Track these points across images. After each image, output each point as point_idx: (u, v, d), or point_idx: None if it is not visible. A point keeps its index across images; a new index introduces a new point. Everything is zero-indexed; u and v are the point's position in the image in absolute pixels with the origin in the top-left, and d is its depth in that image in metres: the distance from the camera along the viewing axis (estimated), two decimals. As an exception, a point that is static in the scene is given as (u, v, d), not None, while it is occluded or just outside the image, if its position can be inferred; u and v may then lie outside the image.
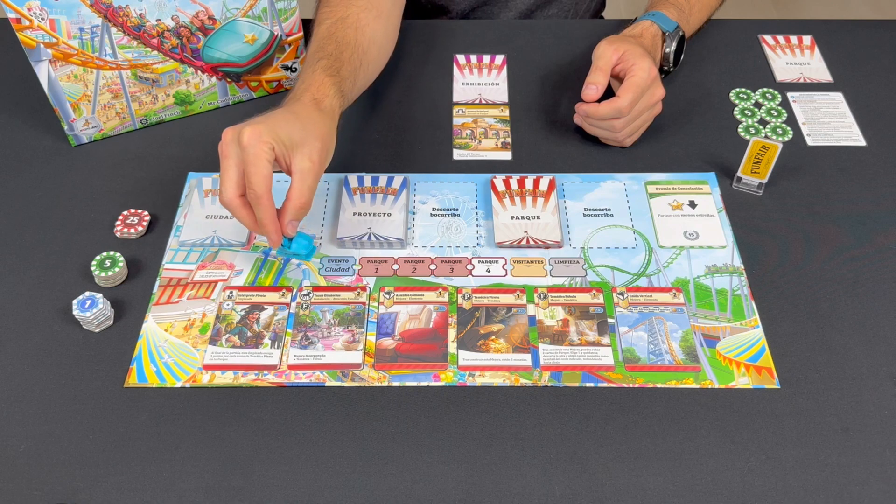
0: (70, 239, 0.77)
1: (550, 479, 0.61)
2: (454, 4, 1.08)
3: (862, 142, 0.87)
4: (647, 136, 0.86)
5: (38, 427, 0.64)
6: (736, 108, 0.91)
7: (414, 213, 0.80)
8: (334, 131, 0.72)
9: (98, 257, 0.73)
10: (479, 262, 0.75)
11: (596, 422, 0.64)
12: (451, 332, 0.70)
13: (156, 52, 0.83)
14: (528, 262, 0.75)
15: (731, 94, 0.93)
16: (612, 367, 0.67)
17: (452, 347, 0.69)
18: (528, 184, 0.81)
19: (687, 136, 0.88)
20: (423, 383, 0.67)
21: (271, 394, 0.66)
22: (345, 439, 0.63)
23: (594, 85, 0.81)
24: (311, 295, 0.73)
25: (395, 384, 0.67)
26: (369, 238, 0.76)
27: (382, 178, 0.82)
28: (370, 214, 0.78)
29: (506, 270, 0.75)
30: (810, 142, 0.87)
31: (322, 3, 0.85)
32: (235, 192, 0.66)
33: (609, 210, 0.80)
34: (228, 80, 0.89)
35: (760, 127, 0.89)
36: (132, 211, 0.79)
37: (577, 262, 0.75)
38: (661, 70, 0.89)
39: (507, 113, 0.91)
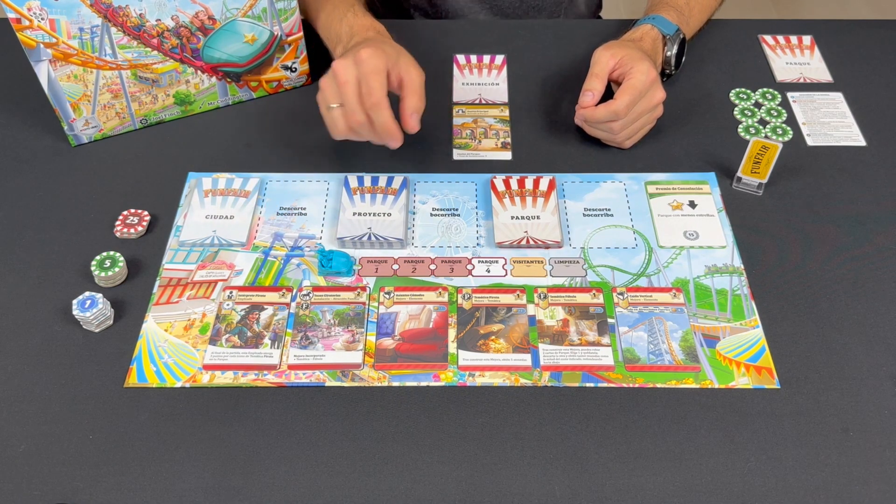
0: (70, 239, 0.77)
1: (550, 479, 0.61)
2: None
3: (862, 142, 0.87)
4: (647, 137, 0.86)
5: (38, 427, 0.64)
6: (736, 108, 0.91)
7: (414, 213, 0.80)
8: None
9: (98, 257, 0.73)
10: (479, 262, 0.75)
11: (596, 422, 0.64)
12: (451, 332, 0.70)
13: (156, 52, 0.83)
14: (528, 262, 0.75)
15: (731, 94, 0.93)
16: (612, 367, 0.67)
17: (452, 347, 0.69)
18: (528, 184, 0.81)
19: (687, 136, 0.88)
20: (423, 383, 0.67)
21: (271, 394, 0.66)
22: (345, 439, 0.63)
23: (590, 91, 0.81)
24: (311, 295, 0.73)
25: (395, 384, 0.67)
26: (369, 238, 0.76)
27: (382, 178, 0.82)
28: (370, 214, 0.78)
29: (506, 270, 0.75)
30: (810, 142, 0.87)
31: None
32: (363, 108, 0.74)
33: (609, 210, 0.80)
34: (228, 80, 0.89)
35: (760, 127, 0.89)
36: (132, 211, 0.79)
37: (577, 262, 0.75)
38: (662, 73, 0.89)
39: (507, 113, 0.91)
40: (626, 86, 0.79)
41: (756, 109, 0.91)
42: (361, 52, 0.73)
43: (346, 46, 0.82)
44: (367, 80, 0.73)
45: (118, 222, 0.78)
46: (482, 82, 0.95)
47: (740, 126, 0.89)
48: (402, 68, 0.76)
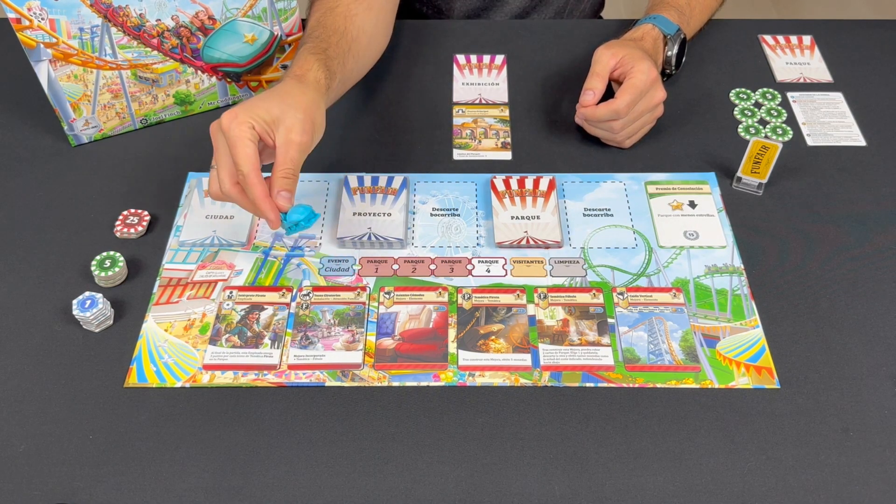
0: (70, 239, 0.77)
1: (550, 479, 0.61)
2: (452, 12, 1.09)
3: (862, 142, 0.87)
4: (647, 136, 0.86)
5: (38, 427, 0.64)
6: (736, 108, 0.91)
7: (414, 213, 0.80)
8: (320, 102, 0.71)
9: (98, 257, 0.73)
10: (479, 262, 0.75)
11: (596, 422, 0.64)
12: (451, 332, 0.70)
13: (156, 52, 0.83)
14: (528, 262, 0.75)
15: (731, 94, 0.93)
16: (612, 367, 0.67)
17: (452, 347, 0.69)
18: (528, 184, 0.81)
19: (687, 136, 0.88)
20: (423, 383, 0.67)
21: (271, 394, 0.66)
22: (345, 439, 0.63)
23: (591, 90, 0.81)
24: (311, 295, 0.73)
25: (395, 384, 0.67)
26: (369, 238, 0.76)
27: (382, 178, 0.82)
28: (370, 214, 0.78)
29: (506, 270, 0.75)
30: (810, 142, 0.87)
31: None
32: (232, 179, 0.66)
33: (609, 210, 0.80)
34: (228, 80, 0.89)
35: (760, 127, 0.89)
36: (132, 211, 0.79)
37: (577, 262, 0.75)
38: (662, 73, 0.89)
39: (507, 113, 0.91)
40: (626, 85, 0.79)
41: (756, 109, 0.91)
42: (224, 117, 0.65)
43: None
44: (234, 151, 0.65)
45: (118, 222, 0.78)
46: (482, 82, 0.95)
47: (740, 126, 0.89)
48: (280, 133, 0.66)
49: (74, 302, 0.69)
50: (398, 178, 0.82)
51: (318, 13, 0.82)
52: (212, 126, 0.67)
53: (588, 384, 0.66)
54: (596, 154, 0.86)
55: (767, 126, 0.89)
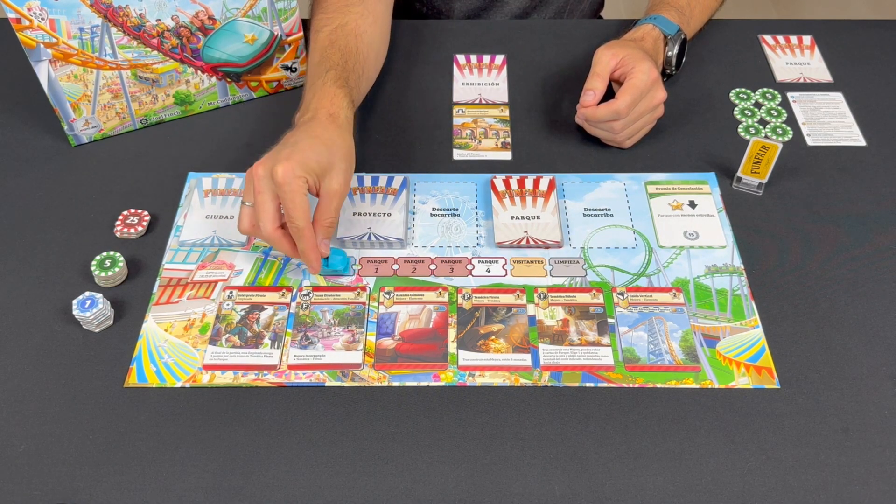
0: (70, 239, 0.77)
1: (550, 479, 0.61)
2: (451, 13, 1.09)
3: (862, 142, 0.87)
4: (647, 137, 0.86)
5: (38, 427, 0.64)
6: (736, 108, 0.91)
7: (414, 213, 0.80)
8: (353, 145, 0.73)
9: (98, 257, 0.73)
10: (479, 262, 0.75)
11: (596, 422, 0.64)
12: (451, 332, 0.70)
13: (156, 52, 0.83)
14: (528, 262, 0.75)
15: (731, 94, 0.93)
16: (612, 367, 0.67)
17: (452, 347, 0.69)
18: (528, 184, 0.81)
19: (687, 136, 0.88)
20: (423, 383, 0.67)
21: (271, 394, 0.66)
22: (345, 439, 0.63)
23: (591, 91, 0.81)
24: (311, 295, 0.73)
25: (395, 384, 0.67)
26: (369, 238, 0.76)
27: (382, 178, 0.82)
28: (370, 214, 0.78)
29: (506, 270, 0.75)
30: (810, 142, 0.87)
31: (318, 9, 0.86)
32: (275, 224, 0.68)
33: (609, 210, 0.80)
34: (228, 80, 0.89)
35: (760, 127, 0.89)
36: (132, 211, 0.79)
37: (577, 262, 0.75)
38: (663, 73, 0.89)
39: (507, 113, 0.91)
40: (627, 85, 0.79)
41: (756, 109, 0.91)
42: (278, 170, 0.66)
43: (299, 122, 0.74)
44: (290, 205, 0.66)
45: (118, 222, 0.78)
46: (482, 82, 0.95)
47: (740, 126, 0.89)
48: (323, 182, 0.69)
49: (74, 302, 0.69)
50: (398, 178, 0.82)
51: (327, 30, 0.83)
52: (258, 169, 0.67)
53: (588, 384, 0.66)
54: (596, 154, 0.86)
55: (767, 126, 0.89)
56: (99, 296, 0.69)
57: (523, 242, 0.76)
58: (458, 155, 0.86)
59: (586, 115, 0.82)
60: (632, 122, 0.82)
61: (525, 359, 0.68)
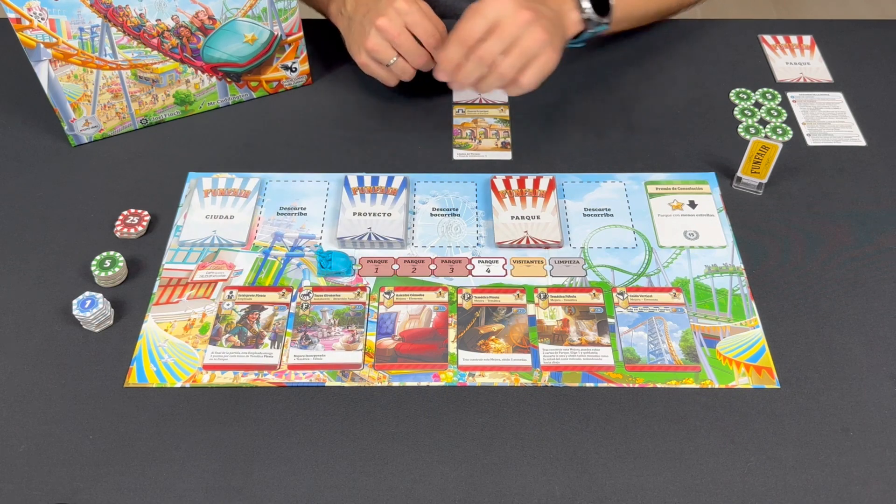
0: (70, 239, 0.77)
1: (550, 479, 0.61)
2: (457, 13, 1.08)
3: (862, 142, 0.87)
4: (647, 137, 0.86)
5: (38, 427, 0.64)
6: (736, 108, 0.91)
7: (414, 213, 0.80)
8: None
9: (98, 257, 0.73)
10: (479, 262, 0.75)
11: (596, 422, 0.64)
12: (451, 332, 0.70)
13: (156, 52, 0.83)
14: (528, 262, 0.75)
15: (731, 94, 0.93)
16: (612, 367, 0.67)
17: (452, 347, 0.69)
18: (528, 184, 0.81)
19: (687, 136, 0.88)
20: (423, 383, 0.67)
21: (271, 394, 0.66)
22: (345, 439, 0.63)
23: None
24: (311, 295, 0.73)
25: (395, 384, 0.67)
26: (369, 238, 0.76)
27: (382, 178, 0.82)
28: (370, 214, 0.78)
29: (506, 270, 0.75)
30: (810, 142, 0.87)
31: None
32: (426, 56, 0.79)
33: (609, 210, 0.80)
34: (228, 80, 0.89)
35: (760, 127, 0.89)
36: (132, 211, 0.79)
37: (577, 262, 0.75)
38: (589, 21, 0.83)
39: (507, 113, 0.91)
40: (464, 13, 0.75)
41: (756, 109, 0.91)
42: (399, 4, 0.76)
43: (340, 4, 0.84)
44: (423, 26, 0.77)
45: (118, 222, 0.78)
46: (482, 82, 0.95)
47: (740, 126, 0.89)
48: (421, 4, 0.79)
49: (74, 302, 0.69)
50: (398, 178, 0.82)
51: None
52: (383, 21, 0.77)
53: (588, 384, 0.66)
54: (596, 154, 0.86)
55: (767, 126, 0.89)
56: (99, 296, 0.69)
57: (523, 242, 0.76)
58: (458, 155, 0.86)
59: (442, 67, 0.77)
60: (498, 50, 0.74)
61: (525, 359, 0.68)
